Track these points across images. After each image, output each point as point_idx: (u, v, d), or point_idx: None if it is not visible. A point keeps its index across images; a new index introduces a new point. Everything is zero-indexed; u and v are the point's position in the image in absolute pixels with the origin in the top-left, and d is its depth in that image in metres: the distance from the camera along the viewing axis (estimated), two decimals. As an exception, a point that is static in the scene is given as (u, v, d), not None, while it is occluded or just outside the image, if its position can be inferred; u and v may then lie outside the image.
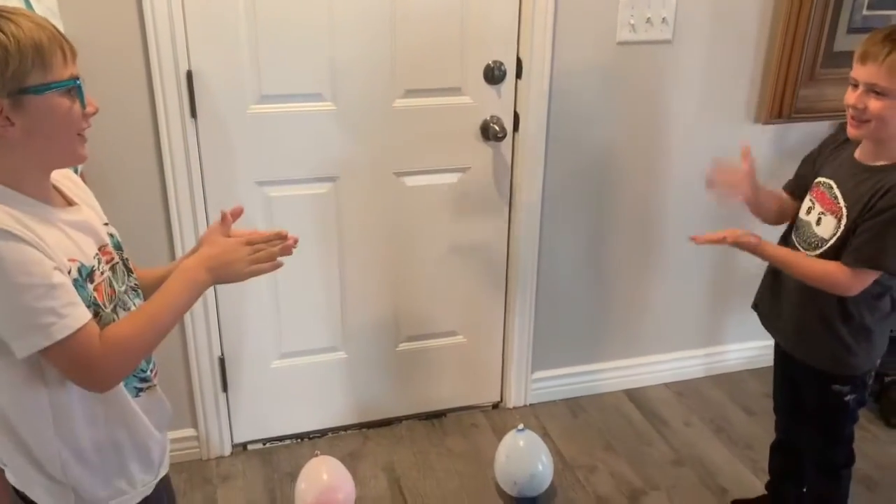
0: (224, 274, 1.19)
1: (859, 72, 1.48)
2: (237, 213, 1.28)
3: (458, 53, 2.07)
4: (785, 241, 1.75)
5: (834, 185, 1.60)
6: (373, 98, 2.06)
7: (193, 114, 1.94)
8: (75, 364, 1.04)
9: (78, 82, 1.05)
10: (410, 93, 2.08)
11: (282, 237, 1.24)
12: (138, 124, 1.91)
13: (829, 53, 2.30)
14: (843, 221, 1.56)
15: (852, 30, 2.29)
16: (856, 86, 1.50)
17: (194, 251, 1.25)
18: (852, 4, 2.27)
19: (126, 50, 1.84)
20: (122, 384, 1.15)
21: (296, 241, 1.26)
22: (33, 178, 1.07)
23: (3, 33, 0.97)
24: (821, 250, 1.60)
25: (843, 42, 2.29)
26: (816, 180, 1.67)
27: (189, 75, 1.90)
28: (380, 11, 1.98)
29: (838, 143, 1.67)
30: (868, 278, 1.55)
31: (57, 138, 1.05)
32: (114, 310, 1.13)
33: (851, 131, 1.53)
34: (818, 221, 1.62)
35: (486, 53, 2.09)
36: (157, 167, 1.96)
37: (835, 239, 1.57)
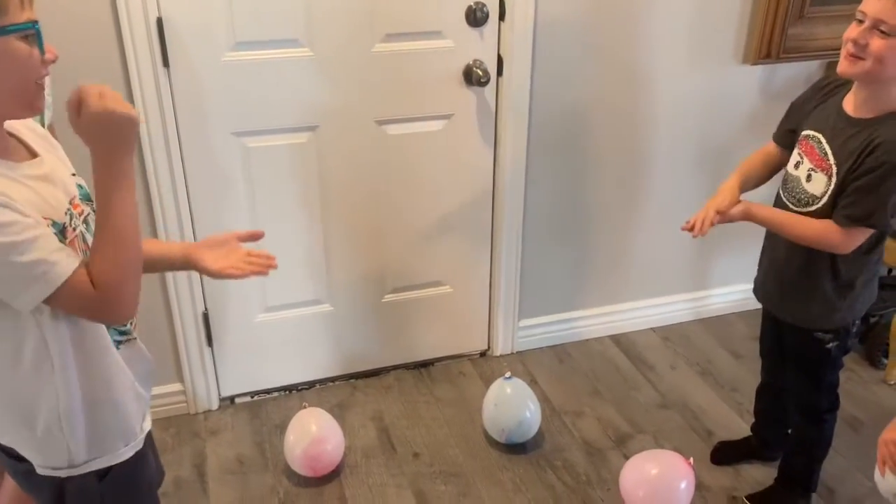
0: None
1: (871, 5, 1.41)
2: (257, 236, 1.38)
3: (439, -5, 2.00)
4: (777, 197, 1.70)
5: (823, 140, 1.56)
6: (351, 43, 1.99)
7: (166, 63, 1.87)
8: (85, 300, 1.02)
9: (37, 26, 0.99)
10: (390, 37, 2.01)
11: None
12: (108, 75, 1.84)
13: (820, -10, 2.24)
14: (834, 179, 1.53)
15: (843, -35, 2.23)
16: (860, 21, 1.44)
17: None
18: (843, -62, 2.20)
19: (91, -4, 1.77)
20: (109, 337, 1.13)
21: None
22: None
23: None
24: (813, 207, 1.58)
25: (834, -22, 2.24)
26: (805, 133, 1.62)
27: (160, 22, 1.83)
28: (356, -48, 1.90)
29: (826, 91, 1.62)
30: (861, 236, 1.54)
31: (13, 86, 1.00)
32: None
33: (845, 67, 1.47)
34: (808, 178, 1.59)
35: (467, -5, 2.03)
36: (131, 119, 1.89)
37: (827, 196, 1.55)
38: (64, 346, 1.08)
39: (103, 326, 1.13)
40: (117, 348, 1.17)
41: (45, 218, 1.03)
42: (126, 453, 1.21)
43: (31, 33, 0.99)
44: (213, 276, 1.32)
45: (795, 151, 1.64)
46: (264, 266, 1.34)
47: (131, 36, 1.81)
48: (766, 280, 1.77)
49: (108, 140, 1.02)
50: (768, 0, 2.23)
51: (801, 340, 1.73)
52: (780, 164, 1.72)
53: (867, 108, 1.51)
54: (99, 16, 1.78)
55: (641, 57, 2.26)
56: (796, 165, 1.63)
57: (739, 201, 1.64)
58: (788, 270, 1.67)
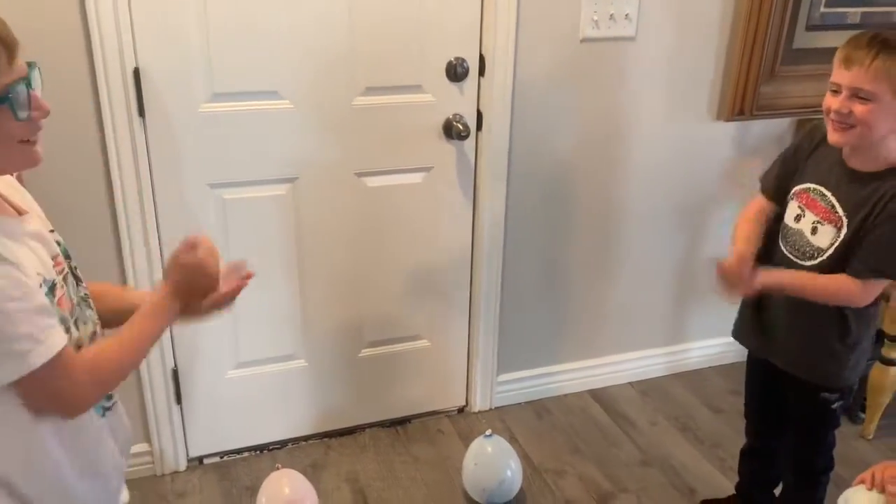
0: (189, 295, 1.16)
1: (842, 76, 1.44)
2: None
3: (419, 50, 2.01)
4: (770, 249, 1.69)
5: (827, 193, 1.57)
6: (332, 96, 1.98)
7: (141, 113, 1.83)
8: (49, 390, 0.97)
9: (9, 96, 0.95)
10: (371, 90, 2.01)
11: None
12: (82, 124, 1.80)
13: (789, 51, 2.30)
14: (844, 230, 1.53)
15: (811, 27, 2.30)
16: (836, 91, 1.47)
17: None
18: (811, 2, 2.27)
19: (67, 45, 1.73)
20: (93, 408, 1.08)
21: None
22: None
23: None
24: (818, 260, 1.57)
25: (803, 39, 2.30)
26: (803, 186, 1.62)
27: (136, 72, 1.80)
28: (338, 6, 1.90)
29: (814, 146, 1.63)
30: (879, 288, 1.54)
31: None
32: (75, 323, 1.05)
33: (835, 137, 1.49)
34: (814, 231, 1.58)
35: (447, 50, 2.03)
36: (104, 169, 1.85)
37: (833, 248, 1.55)
38: (47, 423, 1.02)
39: None
40: (103, 415, 1.11)
41: (39, 274, 0.99)
42: None
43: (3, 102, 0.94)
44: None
45: (794, 204, 1.64)
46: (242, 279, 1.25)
47: (107, 85, 1.77)
48: (771, 339, 1.72)
49: (191, 289, 1.13)
50: (741, 59, 2.28)
51: (806, 401, 1.71)
52: (770, 215, 1.73)
53: (868, 163, 1.52)
54: (75, 64, 1.75)
55: (618, 113, 2.28)
56: (797, 218, 1.63)
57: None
58: (796, 329, 1.64)
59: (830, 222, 1.55)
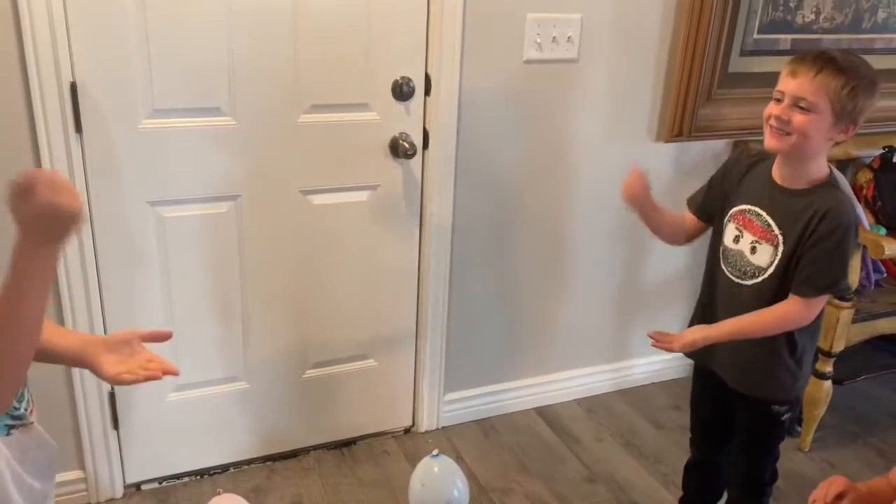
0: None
1: (788, 84, 1.50)
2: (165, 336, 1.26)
3: (365, 68, 2.01)
4: (712, 272, 1.74)
5: (762, 212, 1.61)
6: (276, 113, 1.96)
7: (78, 129, 1.79)
8: None
9: None
10: (316, 108, 2.00)
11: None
12: (15, 138, 1.74)
13: (725, 75, 2.38)
14: (781, 247, 1.58)
15: (745, 52, 2.38)
16: (779, 100, 1.52)
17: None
18: (744, 28, 2.36)
19: (1, 59, 1.68)
20: None
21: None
22: None
23: None
24: (760, 278, 1.62)
25: (738, 64, 2.38)
26: (739, 208, 1.66)
27: (73, 87, 1.75)
28: (282, 23, 1.89)
29: (744, 168, 1.69)
30: (821, 304, 1.59)
31: None
32: None
33: (771, 143, 1.54)
34: (753, 250, 1.63)
35: (393, 69, 2.04)
36: (37, 186, 1.79)
37: (774, 266, 1.59)
38: None
39: None
40: (7, 433, 1.05)
41: None
42: None
43: None
44: (107, 381, 1.22)
45: (732, 226, 1.68)
46: (159, 370, 1.23)
47: (41, 99, 1.72)
48: (718, 354, 1.73)
49: (46, 231, 0.95)
50: (679, 82, 2.34)
51: (756, 413, 1.73)
52: (685, 235, 1.79)
53: (797, 180, 1.58)
54: (7, 78, 1.69)
55: (562, 133, 2.32)
56: (735, 240, 1.67)
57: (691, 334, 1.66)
58: (744, 348, 1.66)
59: (767, 241, 1.60)
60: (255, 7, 1.85)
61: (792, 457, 2.44)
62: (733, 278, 1.67)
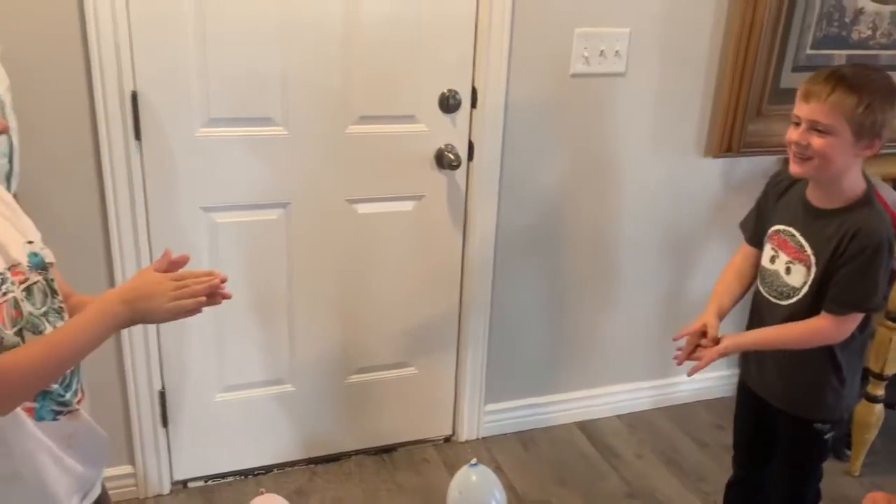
0: (143, 308, 1.10)
1: (802, 109, 1.49)
2: (181, 262, 1.20)
3: (413, 81, 2.05)
4: (756, 292, 1.73)
5: (796, 233, 1.60)
6: (326, 123, 2.01)
7: (138, 136, 1.87)
8: None
9: None
10: (364, 119, 2.04)
11: (211, 275, 1.17)
12: (78, 145, 1.83)
13: (776, 90, 2.35)
14: (814, 269, 1.57)
15: (797, 68, 2.35)
16: (797, 124, 1.51)
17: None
18: (797, 43, 2.33)
19: (67, 69, 1.77)
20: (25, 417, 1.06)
21: (223, 280, 1.19)
22: None
23: None
24: (794, 299, 1.60)
25: (789, 79, 2.35)
26: (775, 228, 1.65)
27: (134, 96, 1.83)
28: (332, 36, 1.94)
29: (783, 188, 1.68)
30: (853, 322, 1.56)
31: None
32: (18, 332, 1.05)
33: (795, 168, 1.53)
34: (787, 271, 1.62)
35: (441, 82, 2.08)
36: (98, 190, 1.87)
37: (807, 287, 1.58)
38: None
39: None
40: (54, 419, 1.10)
41: None
42: None
43: None
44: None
45: (769, 247, 1.67)
46: (203, 291, 1.17)
47: (104, 108, 1.81)
48: (761, 373, 1.73)
49: (140, 311, 1.09)
50: (728, 97, 2.33)
51: (798, 430, 1.71)
52: (753, 271, 1.75)
53: (830, 199, 1.56)
54: (74, 87, 1.78)
55: (608, 145, 2.32)
56: (772, 260, 1.66)
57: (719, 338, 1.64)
58: (788, 367, 1.66)
59: (801, 262, 1.59)
60: (308, 20, 1.91)
61: (841, 481, 2.37)
62: (771, 298, 1.66)
